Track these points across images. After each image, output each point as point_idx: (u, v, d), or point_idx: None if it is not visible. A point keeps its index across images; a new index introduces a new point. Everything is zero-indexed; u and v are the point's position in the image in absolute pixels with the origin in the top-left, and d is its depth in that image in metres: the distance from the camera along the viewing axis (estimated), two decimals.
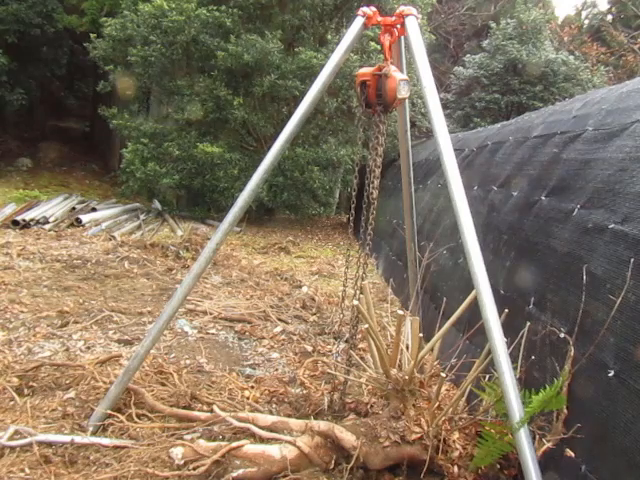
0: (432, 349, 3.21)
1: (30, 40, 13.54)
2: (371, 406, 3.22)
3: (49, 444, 2.74)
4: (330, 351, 4.49)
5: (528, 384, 2.59)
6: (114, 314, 4.88)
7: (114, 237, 8.56)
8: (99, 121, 13.95)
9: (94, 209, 10.52)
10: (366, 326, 2.74)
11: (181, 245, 7.85)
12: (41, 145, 16.24)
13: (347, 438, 2.63)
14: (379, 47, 9.16)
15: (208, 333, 4.75)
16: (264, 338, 4.73)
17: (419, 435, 2.62)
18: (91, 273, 6.25)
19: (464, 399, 3.06)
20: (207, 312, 5.18)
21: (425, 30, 11.84)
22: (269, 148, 3.10)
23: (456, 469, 2.62)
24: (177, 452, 2.62)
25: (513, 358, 2.46)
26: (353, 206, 3.39)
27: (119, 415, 2.97)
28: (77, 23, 14.13)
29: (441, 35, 18.77)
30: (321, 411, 3.27)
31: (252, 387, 3.67)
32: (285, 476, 2.57)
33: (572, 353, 2.33)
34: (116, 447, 2.77)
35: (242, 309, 5.42)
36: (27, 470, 2.56)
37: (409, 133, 3.91)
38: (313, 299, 5.92)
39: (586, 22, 18.75)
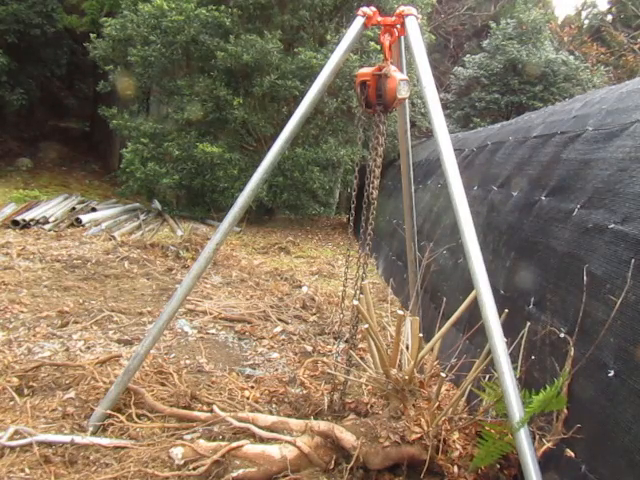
0: (432, 349, 3.20)
1: (30, 40, 13.54)
2: (371, 406, 3.22)
3: (49, 444, 2.74)
4: (330, 351, 4.49)
5: (528, 384, 2.59)
6: (114, 314, 4.88)
7: (114, 237, 8.56)
8: (99, 121, 13.96)
9: (94, 209, 10.52)
10: (366, 326, 2.74)
11: (181, 245, 7.85)
12: (41, 145, 16.24)
13: (347, 438, 2.63)
14: (379, 47, 9.16)
15: (208, 333, 4.75)
16: (264, 338, 4.73)
17: (419, 435, 2.61)
18: (91, 273, 6.25)
19: (464, 399, 3.06)
20: (207, 312, 5.18)
21: (425, 30, 11.85)
22: (269, 148, 3.10)
23: (456, 469, 2.62)
24: (177, 452, 2.62)
25: (513, 358, 2.46)
26: (353, 206, 3.39)
27: (119, 415, 2.97)
28: (77, 23, 14.14)
29: (441, 35, 18.76)
30: (321, 411, 3.27)
31: (252, 387, 3.67)
32: (285, 476, 2.57)
33: (572, 353, 2.33)
34: (116, 447, 2.77)
35: (242, 309, 5.42)
36: (27, 470, 2.56)
37: (409, 133, 3.90)
38: (313, 299, 5.92)
39: (586, 22, 18.73)
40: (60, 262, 6.58)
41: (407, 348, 3.12)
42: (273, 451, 2.63)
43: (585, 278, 2.37)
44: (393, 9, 8.00)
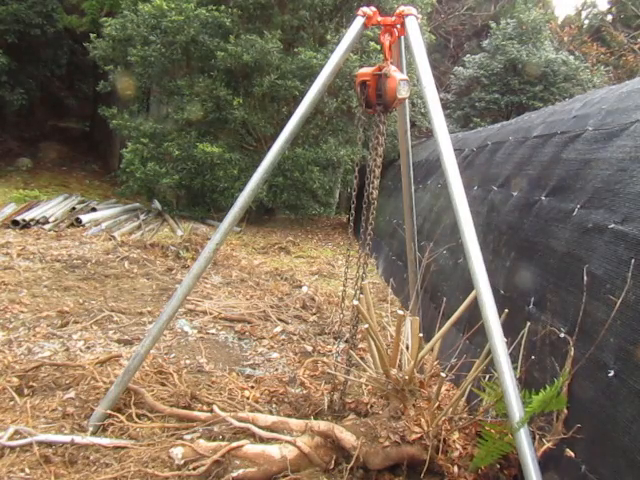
0: (432, 349, 3.21)
1: (30, 40, 13.53)
2: (371, 406, 3.22)
3: (49, 444, 2.74)
4: (330, 351, 4.49)
5: (528, 384, 2.59)
6: (114, 314, 4.88)
7: (114, 237, 8.56)
8: (99, 121, 13.96)
9: (94, 209, 10.52)
10: (366, 326, 2.74)
11: (181, 245, 7.85)
12: (41, 145, 16.23)
13: (347, 438, 2.63)
14: (379, 47, 9.16)
15: (208, 333, 4.75)
16: (264, 338, 4.73)
17: (419, 435, 2.61)
18: (91, 273, 6.25)
19: (464, 399, 3.06)
20: (207, 312, 5.18)
21: (425, 30, 11.84)
22: (269, 148, 3.10)
23: (456, 469, 2.62)
24: (177, 452, 2.62)
25: (513, 358, 2.46)
26: (353, 206, 3.39)
27: (119, 415, 2.97)
28: (77, 23, 14.14)
29: (441, 35, 18.76)
30: (321, 411, 3.27)
31: (252, 387, 3.67)
32: (285, 476, 2.57)
33: (572, 353, 2.33)
34: (116, 447, 2.77)
35: (242, 309, 5.42)
36: (27, 470, 2.56)
37: (409, 133, 3.90)
38: (313, 299, 5.92)
39: (586, 22, 18.73)
40: (60, 262, 6.58)
41: (407, 348, 3.12)
42: (273, 451, 2.63)
43: (585, 278, 2.37)
44: (393, 9, 8.00)
